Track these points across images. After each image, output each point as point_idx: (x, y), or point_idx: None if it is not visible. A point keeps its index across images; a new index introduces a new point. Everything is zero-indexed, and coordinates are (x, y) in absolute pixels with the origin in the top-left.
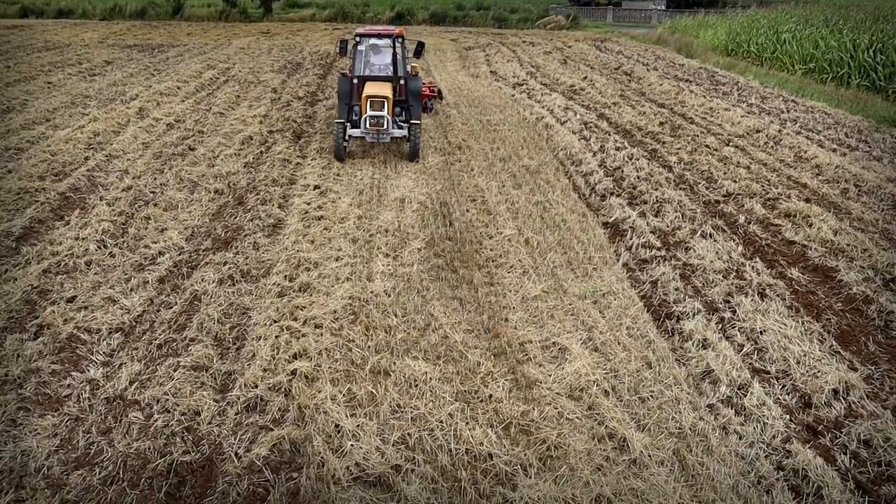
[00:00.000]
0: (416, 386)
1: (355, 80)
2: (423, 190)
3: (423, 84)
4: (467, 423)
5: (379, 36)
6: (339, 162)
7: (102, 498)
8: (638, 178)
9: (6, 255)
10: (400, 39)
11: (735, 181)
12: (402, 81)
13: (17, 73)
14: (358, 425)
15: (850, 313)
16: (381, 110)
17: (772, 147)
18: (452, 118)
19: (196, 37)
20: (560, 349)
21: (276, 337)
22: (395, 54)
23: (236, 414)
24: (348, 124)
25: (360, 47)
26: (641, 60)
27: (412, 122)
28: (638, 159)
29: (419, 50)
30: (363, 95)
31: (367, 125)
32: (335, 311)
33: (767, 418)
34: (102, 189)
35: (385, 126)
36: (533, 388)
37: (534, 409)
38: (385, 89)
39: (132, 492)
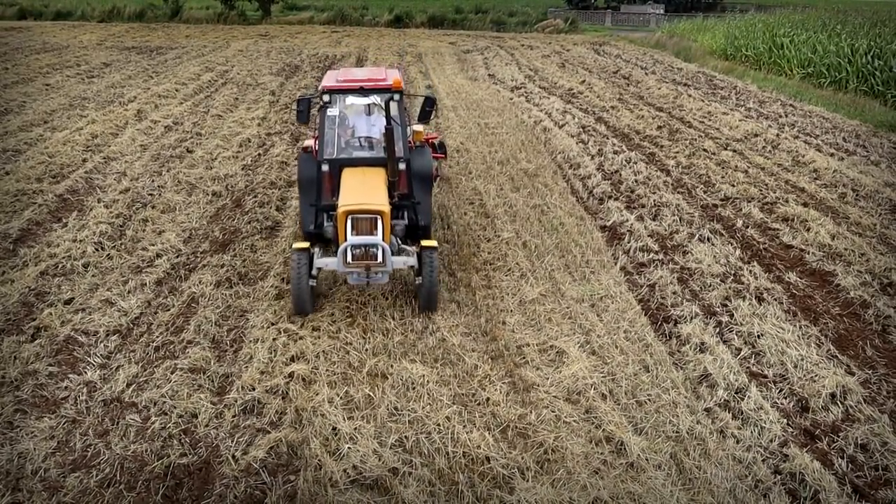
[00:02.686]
0: (414, 389)
1: (325, 167)
2: None
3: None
4: (465, 426)
5: (362, 90)
6: (301, 317)
7: (99, 500)
8: (636, 181)
9: (3, 257)
10: (398, 95)
11: (733, 185)
12: (401, 165)
13: (15, 74)
14: (355, 428)
15: (847, 317)
16: (371, 233)
17: (770, 151)
18: (450, 121)
19: (194, 39)
20: (557, 352)
21: (274, 339)
22: (389, 121)
23: (233, 416)
24: (316, 250)
25: (330, 111)
26: (640, 64)
27: (424, 245)
28: (636, 163)
29: (428, 110)
30: (339, 209)
31: (350, 258)
32: (332, 314)
33: (765, 422)
34: (100, 191)
35: (380, 259)
36: (530, 392)
37: (531, 412)
38: (374, 191)
39: (129, 494)
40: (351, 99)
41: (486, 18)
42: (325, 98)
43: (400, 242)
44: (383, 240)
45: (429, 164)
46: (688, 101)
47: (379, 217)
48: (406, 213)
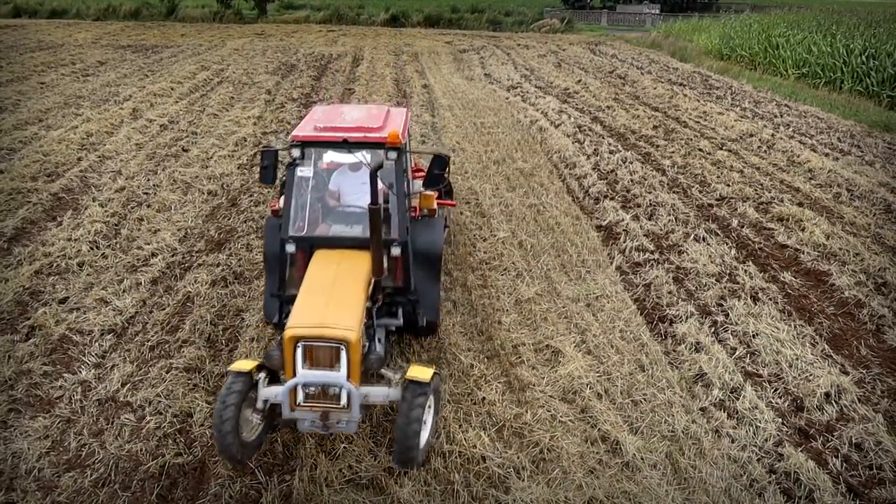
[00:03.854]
0: None
1: (290, 247)
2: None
3: (417, 167)
4: (460, 426)
5: (346, 143)
6: (235, 467)
7: (94, 500)
8: (631, 181)
9: None
10: (394, 154)
11: (728, 185)
12: (395, 249)
13: (9, 73)
14: None
15: (842, 317)
16: (332, 367)
17: (765, 151)
18: (447, 121)
19: (190, 38)
20: (553, 352)
21: (269, 339)
22: (374, 197)
23: None
24: (261, 376)
25: (301, 170)
26: (635, 64)
27: (411, 378)
28: (632, 163)
29: (437, 174)
30: (287, 331)
31: (300, 398)
32: None
33: (760, 421)
34: (95, 190)
35: (344, 402)
36: (526, 391)
37: (527, 411)
38: (343, 304)
39: (124, 494)
40: (331, 155)
41: (483, 18)
42: (296, 153)
43: (382, 355)
44: (349, 377)
45: (437, 243)
46: (683, 101)
47: (343, 346)
48: (401, 309)
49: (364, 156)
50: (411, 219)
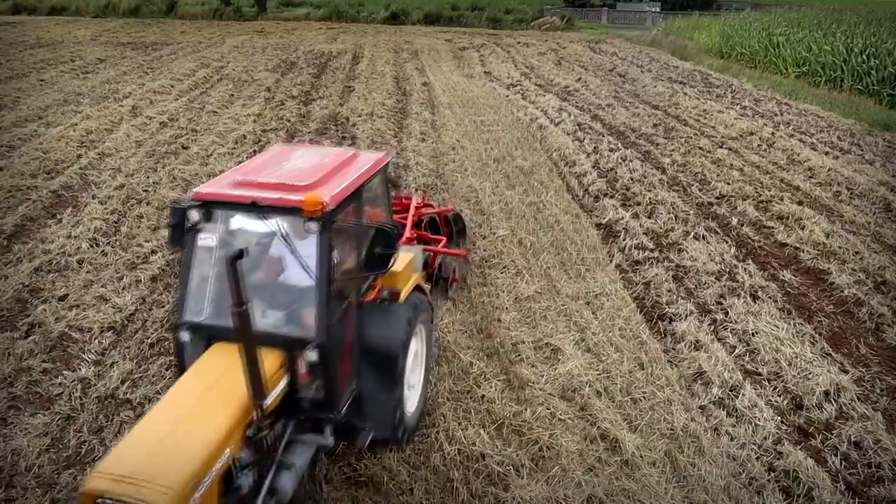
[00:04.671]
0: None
1: (184, 335)
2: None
3: (425, 204)
4: (460, 424)
5: (254, 206)
6: None
7: None
8: (631, 179)
9: None
10: (314, 224)
11: (728, 183)
12: (311, 354)
13: (9, 70)
14: None
15: (841, 316)
16: None
17: (765, 149)
18: (446, 119)
19: (190, 35)
20: (553, 350)
21: None
22: (239, 295)
23: None
24: None
25: (203, 238)
26: (636, 62)
27: None
28: (631, 161)
29: (381, 255)
30: (84, 481)
31: None
32: None
33: (759, 420)
34: (95, 187)
35: None
36: (525, 389)
37: (526, 409)
38: (195, 442)
39: None
40: (239, 220)
41: (483, 16)
42: (194, 216)
43: (287, 492)
44: None
45: (394, 339)
46: (683, 100)
47: None
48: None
49: (280, 226)
50: (361, 304)
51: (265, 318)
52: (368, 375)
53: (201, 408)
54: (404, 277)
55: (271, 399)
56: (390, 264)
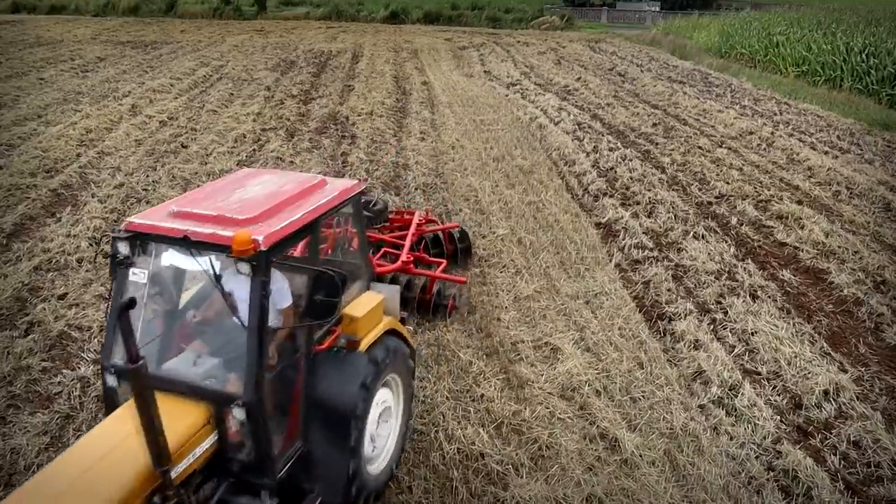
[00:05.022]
0: None
1: (111, 379)
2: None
3: (428, 220)
4: (459, 423)
5: (186, 241)
6: None
7: None
8: (631, 178)
9: None
10: (245, 266)
11: (727, 183)
12: (240, 412)
13: (8, 68)
14: None
15: (840, 315)
16: None
17: (764, 149)
18: (446, 118)
19: (189, 34)
20: (552, 349)
21: None
22: (131, 353)
23: None
24: None
25: (136, 272)
26: (635, 61)
27: None
28: (631, 160)
29: (324, 303)
30: None
31: None
32: None
33: (758, 419)
34: (94, 186)
35: None
36: (525, 388)
37: (525, 408)
38: None
39: None
40: (172, 255)
41: (483, 15)
42: (122, 249)
43: None
44: None
45: (347, 395)
46: (683, 99)
47: None
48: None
49: (211, 263)
50: (314, 354)
51: (195, 367)
52: (318, 434)
53: (104, 467)
54: (368, 323)
55: (191, 461)
56: (334, 315)
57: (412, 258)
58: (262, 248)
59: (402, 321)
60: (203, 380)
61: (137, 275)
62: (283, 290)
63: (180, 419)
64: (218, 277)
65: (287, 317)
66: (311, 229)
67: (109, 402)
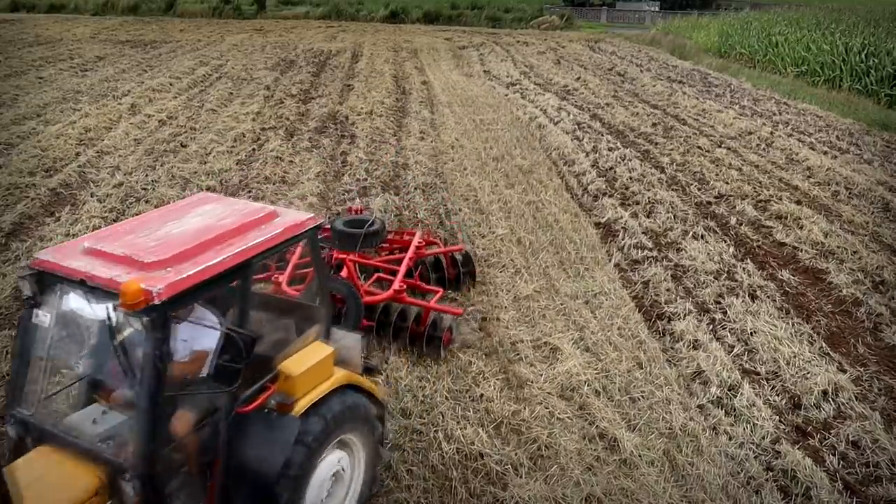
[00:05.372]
0: (408, 386)
1: (12, 430)
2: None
3: (428, 241)
4: (458, 423)
5: (83, 284)
6: None
7: None
8: (630, 178)
9: None
10: (137, 318)
11: (727, 183)
12: (129, 486)
13: (7, 67)
14: None
15: (839, 315)
16: None
17: (763, 149)
18: (445, 117)
19: (189, 33)
20: (551, 349)
21: None
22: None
23: None
24: None
25: (41, 315)
26: (635, 61)
27: None
28: (630, 160)
29: (230, 369)
30: None
31: None
32: None
33: (757, 419)
34: (93, 185)
35: None
36: (524, 388)
37: (525, 408)
38: None
39: None
40: (75, 299)
41: (482, 15)
42: (26, 288)
43: None
44: None
45: (271, 461)
46: (682, 99)
47: None
48: None
49: (109, 311)
50: (241, 414)
51: (95, 426)
52: None
53: None
54: (309, 381)
55: None
56: (236, 383)
57: (405, 286)
58: (157, 300)
59: (370, 370)
60: (98, 442)
61: (41, 318)
62: (196, 340)
63: (69, 485)
64: (114, 329)
65: (187, 380)
66: (239, 273)
67: (8, 450)
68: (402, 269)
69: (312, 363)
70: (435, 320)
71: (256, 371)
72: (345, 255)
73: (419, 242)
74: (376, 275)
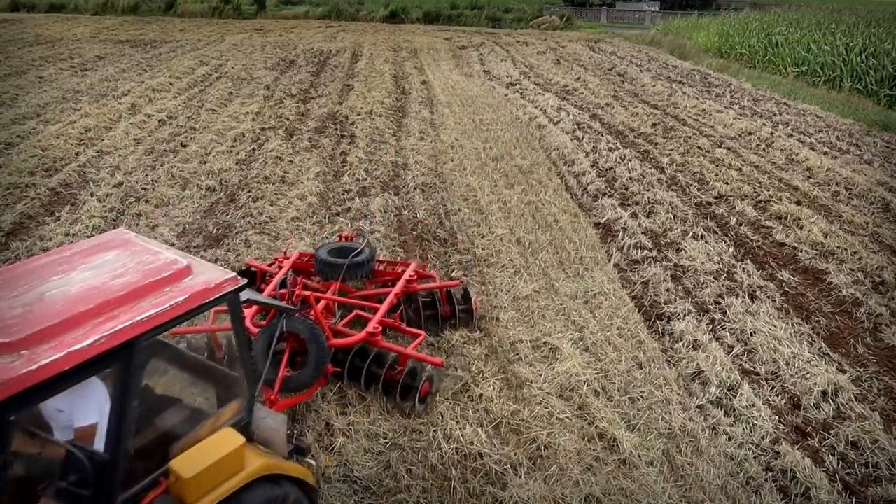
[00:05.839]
0: None
1: None
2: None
3: (421, 275)
4: (458, 423)
5: None
6: None
7: None
8: (630, 178)
9: None
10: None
11: (727, 183)
12: None
13: (7, 67)
14: (348, 423)
15: (839, 315)
16: None
17: (763, 149)
18: (445, 117)
19: (189, 33)
20: (551, 349)
21: None
22: None
23: None
24: None
25: None
26: (635, 61)
27: None
28: (630, 160)
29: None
30: None
31: None
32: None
33: (757, 419)
34: (93, 185)
35: None
36: (523, 388)
37: (524, 408)
38: None
39: None
40: None
41: (482, 15)
42: None
43: None
44: None
45: None
46: (682, 99)
47: None
48: None
49: None
50: None
51: None
52: None
53: None
54: (208, 480)
55: None
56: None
57: (380, 327)
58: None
59: (302, 451)
60: None
61: None
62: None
63: None
64: None
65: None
66: (117, 357)
67: None
68: (384, 306)
69: (212, 461)
70: (414, 368)
71: (146, 462)
72: (309, 293)
73: (410, 276)
74: (355, 312)
